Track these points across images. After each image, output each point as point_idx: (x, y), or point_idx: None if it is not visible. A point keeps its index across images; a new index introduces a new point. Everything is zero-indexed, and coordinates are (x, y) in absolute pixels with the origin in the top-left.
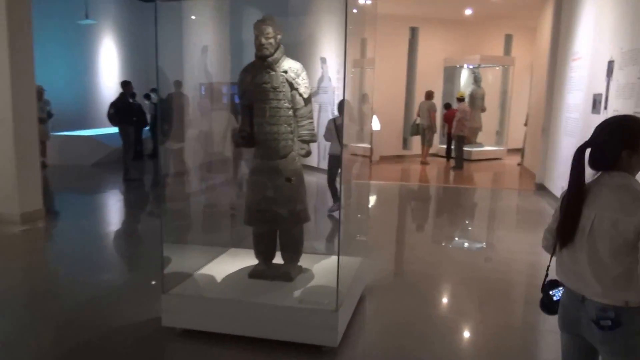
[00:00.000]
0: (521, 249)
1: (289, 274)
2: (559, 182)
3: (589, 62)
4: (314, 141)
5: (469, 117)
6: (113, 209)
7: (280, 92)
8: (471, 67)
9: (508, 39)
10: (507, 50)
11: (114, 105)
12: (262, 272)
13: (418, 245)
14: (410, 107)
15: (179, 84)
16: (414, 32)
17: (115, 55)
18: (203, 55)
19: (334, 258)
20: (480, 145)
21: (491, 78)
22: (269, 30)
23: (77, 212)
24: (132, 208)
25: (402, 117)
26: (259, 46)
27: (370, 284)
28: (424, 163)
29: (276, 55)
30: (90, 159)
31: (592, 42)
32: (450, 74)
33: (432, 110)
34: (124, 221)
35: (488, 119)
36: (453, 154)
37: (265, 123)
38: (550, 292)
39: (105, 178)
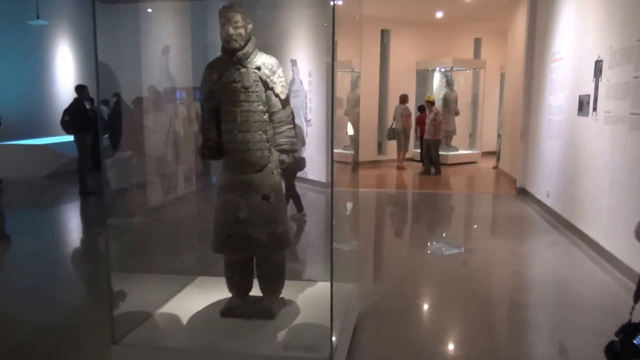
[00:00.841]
0: (517, 260)
1: (269, 310)
2: (543, 186)
3: (571, 62)
4: (295, 151)
5: (443, 120)
6: (67, 226)
7: (252, 92)
8: (443, 70)
9: (477, 42)
10: (477, 53)
11: (68, 111)
12: (236, 309)
13: (406, 260)
14: (384, 111)
15: (153, 89)
16: (384, 34)
17: (71, 58)
18: (164, 56)
19: (321, 285)
20: (455, 148)
21: (462, 81)
22: (238, 18)
23: (26, 230)
24: (89, 226)
25: (377, 122)
26: (227, 37)
27: (361, 310)
28: (400, 168)
29: (247, 48)
30: (43, 170)
31: (574, 41)
32: (423, 77)
33: (406, 114)
34: (80, 241)
35: (460, 123)
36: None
37: (235, 130)
38: (636, 341)
39: (60, 191)
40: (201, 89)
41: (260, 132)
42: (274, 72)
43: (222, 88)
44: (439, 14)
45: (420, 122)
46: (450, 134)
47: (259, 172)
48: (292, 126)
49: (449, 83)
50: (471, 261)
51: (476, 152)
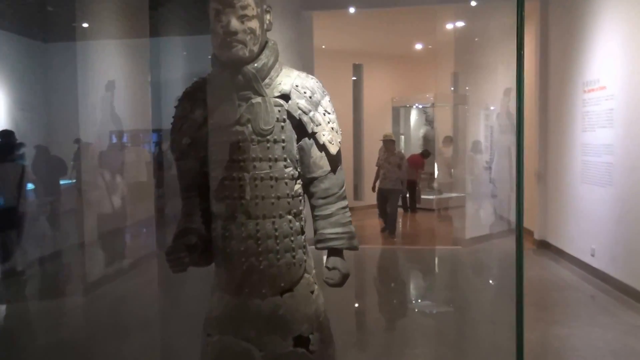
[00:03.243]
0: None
1: None
2: (583, 241)
3: (622, 92)
4: (355, 248)
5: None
6: None
7: (276, 142)
8: (422, 106)
9: (455, 76)
10: (455, 88)
11: None
12: None
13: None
14: (358, 152)
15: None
16: (357, 69)
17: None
18: (108, 93)
19: None
20: (439, 192)
21: (442, 118)
22: (249, 1)
23: None
24: (16, 329)
25: (352, 164)
26: (224, 38)
27: None
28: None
29: (264, 58)
30: None
31: (623, 68)
32: (398, 115)
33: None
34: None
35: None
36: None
37: (242, 214)
38: None
39: None
40: (172, 137)
41: (290, 217)
42: (316, 104)
43: (217, 134)
44: (419, 46)
45: (413, 165)
46: (432, 176)
47: (287, 292)
48: (346, 204)
49: (429, 120)
50: None
51: (463, 195)
